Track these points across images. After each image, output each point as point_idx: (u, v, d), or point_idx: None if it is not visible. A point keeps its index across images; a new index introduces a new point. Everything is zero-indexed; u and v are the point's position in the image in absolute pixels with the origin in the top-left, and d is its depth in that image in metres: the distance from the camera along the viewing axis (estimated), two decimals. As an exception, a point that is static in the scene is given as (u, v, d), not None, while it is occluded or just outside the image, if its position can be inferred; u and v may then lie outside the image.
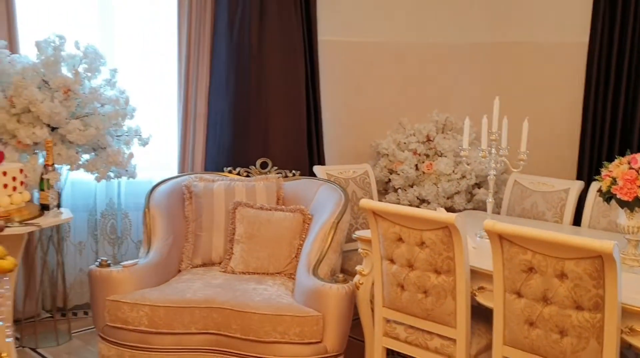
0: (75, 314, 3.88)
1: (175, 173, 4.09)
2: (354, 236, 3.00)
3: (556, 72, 4.08)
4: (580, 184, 3.37)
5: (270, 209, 3.40)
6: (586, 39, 3.77)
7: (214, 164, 4.03)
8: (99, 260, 2.95)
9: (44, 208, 2.75)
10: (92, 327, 3.70)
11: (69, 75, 3.21)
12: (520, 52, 4.27)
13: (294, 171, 3.77)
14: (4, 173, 2.50)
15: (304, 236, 3.33)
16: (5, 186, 2.49)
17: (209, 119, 4.03)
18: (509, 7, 4.32)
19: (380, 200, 4.01)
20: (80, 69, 3.26)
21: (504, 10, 4.37)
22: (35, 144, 3.04)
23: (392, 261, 2.52)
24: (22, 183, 2.55)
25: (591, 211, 3.17)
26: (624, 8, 3.56)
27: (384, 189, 4.17)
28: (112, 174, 3.32)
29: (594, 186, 3.19)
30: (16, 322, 3.28)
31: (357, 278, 2.92)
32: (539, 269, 2.03)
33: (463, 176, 3.91)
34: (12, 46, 3.50)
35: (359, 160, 4.31)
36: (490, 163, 2.88)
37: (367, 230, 2.97)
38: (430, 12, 4.53)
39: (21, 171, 2.54)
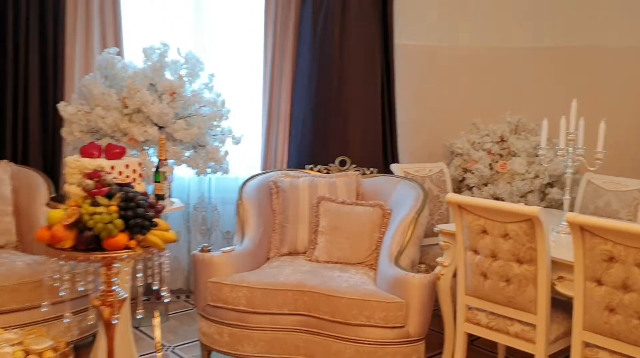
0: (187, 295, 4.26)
1: (258, 170, 4.40)
2: (435, 229, 3.20)
3: (629, 75, 4.15)
4: (656, 184, 3.46)
5: (351, 204, 3.64)
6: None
7: (295, 162, 4.29)
8: (200, 246, 3.25)
9: (159, 198, 3.07)
10: (186, 309, 4.08)
11: (172, 79, 3.54)
12: (593, 56, 4.36)
13: (371, 169, 3.99)
14: (127, 166, 2.82)
15: (383, 229, 3.55)
16: (127, 177, 2.81)
17: (291, 120, 4.31)
18: (582, 11, 4.41)
19: (454, 198, 4.17)
20: (182, 73, 3.58)
21: (578, 14, 4.46)
22: (144, 141, 3.37)
23: (475, 251, 2.70)
24: (140, 175, 2.87)
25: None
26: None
27: (457, 188, 4.33)
28: (209, 170, 3.62)
29: (670, 186, 3.29)
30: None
31: (438, 268, 3.12)
32: (619, 258, 2.18)
33: (536, 176, 4.04)
34: (119, 52, 3.88)
35: (430, 159, 4.49)
36: (568, 162, 3.02)
37: (447, 224, 3.17)
38: (504, 16, 4.66)
39: (140, 164, 2.86)
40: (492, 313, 2.72)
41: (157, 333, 1.97)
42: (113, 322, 1.84)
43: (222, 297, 3.11)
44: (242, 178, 4.36)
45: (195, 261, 3.24)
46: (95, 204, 1.71)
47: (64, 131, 3.54)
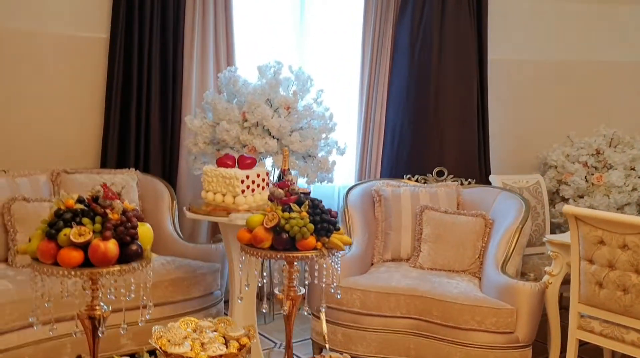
0: (268, 299, 4.48)
1: (352, 178, 4.61)
2: (544, 239, 3.32)
3: None
4: None
5: (453, 213, 3.80)
6: None
7: (389, 172, 4.48)
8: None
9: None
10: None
11: (284, 94, 3.79)
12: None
13: (469, 180, 4.14)
14: (258, 175, 3.07)
15: (485, 238, 3.69)
16: (258, 186, 3.07)
17: (385, 131, 4.50)
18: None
19: (550, 209, 4.28)
20: (294, 89, 3.83)
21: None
22: (263, 152, 3.63)
23: (590, 261, 2.82)
24: (267, 183, 3.12)
25: None
26: None
27: (551, 199, 4.42)
28: (317, 179, 3.85)
29: None
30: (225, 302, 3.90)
31: (546, 277, 3.24)
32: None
33: (634, 188, 4.09)
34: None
35: (521, 170, 4.59)
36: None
37: (556, 234, 3.29)
38: (594, 31, 4.74)
39: (267, 174, 3.11)
40: (607, 322, 2.83)
41: (324, 326, 2.20)
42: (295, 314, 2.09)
43: (336, 299, 3.32)
44: (339, 187, 4.59)
45: (312, 264, 3.46)
46: (288, 210, 1.95)
47: (190, 142, 3.84)
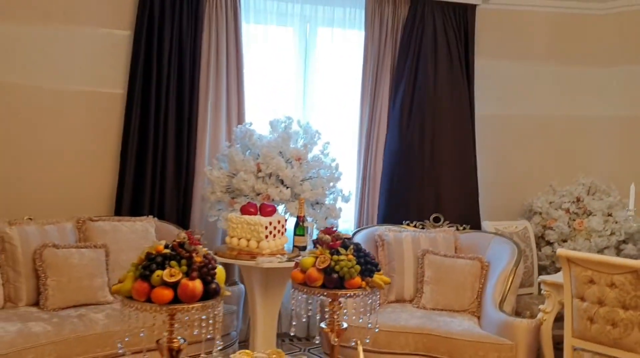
0: (300, 340, 4.72)
1: (352, 225, 4.90)
2: (538, 279, 3.66)
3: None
4: None
5: (452, 257, 4.11)
6: None
7: (387, 218, 4.78)
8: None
9: (301, 249, 3.57)
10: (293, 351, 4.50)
11: (295, 147, 4.11)
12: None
13: (464, 226, 4.48)
14: (278, 221, 3.35)
15: (482, 280, 4.00)
16: (279, 231, 3.35)
17: (382, 179, 4.83)
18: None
19: (537, 252, 4.63)
20: (301, 142, 4.15)
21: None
22: (278, 200, 3.92)
23: (582, 299, 3.14)
24: (285, 228, 3.40)
25: None
26: None
27: (537, 243, 4.77)
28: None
29: None
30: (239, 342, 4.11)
31: (540, 315, 3.55)
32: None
33: (612, 233, 4.47)
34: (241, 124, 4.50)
35: (509, 217, 4.96)
36: (655, 222, 3.47)
37: (549, 275, 3.62)
38: (571, 89, 5.20)
39: (286, 220, 3.40)
40: (598, 354, 3.13)
41: (361, 356, 2.44)
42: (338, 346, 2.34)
43: (347, 337, 3.56)
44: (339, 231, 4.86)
45: (323, 306, 3.71)
46: (336, 253, 2.23)
47: (207, 191, 4.10)
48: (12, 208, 3.97)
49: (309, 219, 3.78)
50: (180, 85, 4.43)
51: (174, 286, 1.85)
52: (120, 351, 2.13)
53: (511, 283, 3.82)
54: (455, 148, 4.78)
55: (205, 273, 1.90)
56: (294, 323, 2.46)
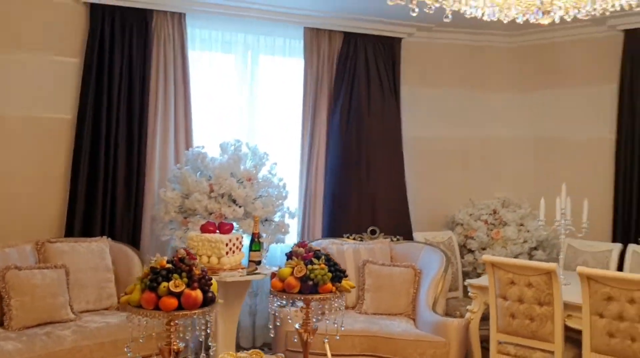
0: (262, 349, 4.94)
1: (295, 239, 5.25)
2: (465, 283, 4.15)
3: (586, 163, 5.32)
4: (620, 246, 4.56)
5: (389, 266, 4.55)
6: (612, 135, 5.06)
7: (329, 232, 5.18)
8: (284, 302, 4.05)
9: (257, 263, 3.87)
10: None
11: (245, 168, 4.42)
12: (555, 145, 5.55)
13: (397, 237, 4.94)
14: (237, 238, 3.65)
15: (416, 286, 4.47)
16: (237, 247, 3.64)
17: (324, 197, 5.22)
18: (552, 108, 5.60)
19: (461, 259, 5.17)
20: (250, 164, 4.47)
21: (547, 111, 5.66)
22: (231, 218, 4.20)
23: (505, 298, 3.65)
24: (242, 244, 3.70)
25: (630, 263, 4.34)
26: None
27: (460, 251, 5.31)
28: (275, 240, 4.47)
29: (632, 247, 4.39)
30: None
31: (468, 314, 4.05)
32: (615, 297, 3.15)
33: (525, 241, 5.08)
34: (189, 148, 4.74)
35: (434, 228, 5.49)
36: (561, 230, 4.06)
37: (475, 279, 4.13)
38: (486, 111, 5.83)
39: (242, 237, 3.70)
40: (519, 345, 3.65)
41: (328, 353, 2.76)
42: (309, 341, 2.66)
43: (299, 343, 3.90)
44: (282, 246, 5.20)
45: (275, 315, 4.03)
46: (310, 263, 2.56)
47: (161, 211, 4.31)
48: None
49: (263, 235, 4.09)
50: (130, 110, 4.63)
51: (178, 295, 2.13)
52: (129, 355, 2.35)
53: (442, 288, 4.30)
54: (387, 167, 5.26)
55: (204, 283, 2.19)
56: (270, 326, 2.77)
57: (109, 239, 4.37)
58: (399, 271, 4.51)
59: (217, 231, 3.71)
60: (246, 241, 3.97)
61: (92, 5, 4.56)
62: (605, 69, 5.16)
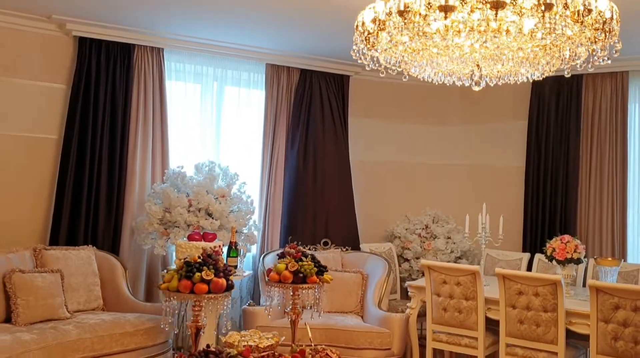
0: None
1: (257, 248, 5.92)
2: (406, 284, 4.97)
3: (502, 186, 6.36)
4: (528, 255, 5.54)
5: (341, 271, 5.32)
6: (522, 164, 6.10)
7: (286, 242, 5.88)
8: (248, 302, 4.72)
9: (235, 267, 4.51)
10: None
11: (220, 185, 5.08)
12: (477, 171, 6.56)
13: (346, 247, 5.73)
14: (219, 246, 4.29)
15: (364, 288, 5.25)
16: (217, 253, 4.29)
17: (282, 211, 5.94)
18: (471, 140, 6.62)
19: (398, 267, 6.01)
20: (222, 183, 5.13)
21: (468, 142, 6.68)
22: (209, 229, 4.84)
23: (438, 295, 4.50)
24: (222, 251, 4.36)
25: (537, 268, 5.31)
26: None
27: (398, 260, 6.16)
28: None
29: (538, 256, 5.38)
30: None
31: (408, 310, 4.87)
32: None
33: (452, 251, 6.00)
34: (165, 169, 5.35)
35: (376, 240, 6.33)
36: (482, 241, 4.98)
37: (413, 281, 4.96)
38: (419, 141, 6.77)
39: (222, 245, 4.36)
40: (450, 334, 4.49)
41: (309, 331, 3.44)
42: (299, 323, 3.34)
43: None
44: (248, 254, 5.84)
45: (246, 312, 4.70)
46: (300, 260, 3.25)
47: (146, 223, 4.89)
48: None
49: (248, 246, 4.78)
50: (113, 133, 5.19)
51: (208, 282, 2.78)
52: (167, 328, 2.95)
53: (385, 289, 5.11)
54: (338, 187, 6.06)
55: (227, 273, 2.85)
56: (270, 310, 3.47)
57: (94, 248, 4.89)
58: (349, 276, 5.28)
59: (202, 239, 4.35)
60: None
61: (80, 38, 5.11)
62: (517, 109, 6.22)
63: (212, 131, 5.80)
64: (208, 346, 2.72)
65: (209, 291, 2.81)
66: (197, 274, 2.79)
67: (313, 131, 6.01)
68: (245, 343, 3.02)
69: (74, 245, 4.93)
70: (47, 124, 5.12)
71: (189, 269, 2.82)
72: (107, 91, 5.17)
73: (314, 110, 6.05)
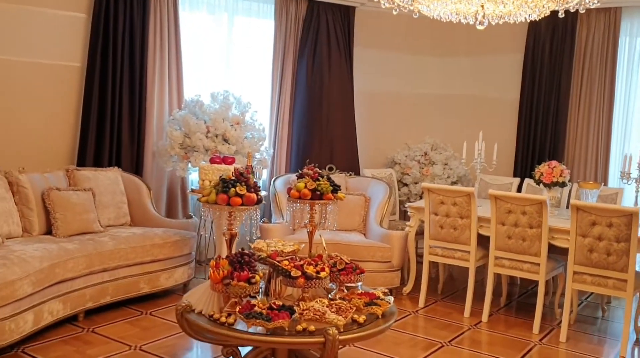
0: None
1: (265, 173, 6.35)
2: (406, 205, 5.45)
3: (497, 116, 6.75)
4: (518, 180, 6.01)
5: (346, 194, 5.76)
6: (517, 95, 6.48)
7: (294, 168, 6.32)
8: (262, 220, 5.19)
9: (252, 188, 4.94)
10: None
11: (231, 114, 5.44)
12: (474, 101, 6.94)
13: (350, 172, 6.16)
14: (236, 169, 4.71)
15: (366, 209, 5.73)
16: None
17: (290, 138, 6.34)
18: (470, 71, 6.96)
19: (397, 191, 6.49)
20: (236, 111, 5.49)
21: (467, 73, 7.01)
22: (221, 153, 5.23)
23: (436, 214, 4.97)
24: (240, 174, 4.79)
25: (525, 191, 5.79)
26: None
27: (398, 185, 6.62)
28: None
29: (527, 181, 5.84)
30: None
31: (407, 228, 5.36)
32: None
33: (448, 177, 6.45)
34: (180, 96, 5.69)
35: (377, 166, 6.77)
36: (477, 166, 5.42)
37: (413, 202, 5.43)
38: (420, 71, 7.09)
39: (240, 167, 4.78)
40: (445, 248, 5.00)
41: (323, 242, 3.90)
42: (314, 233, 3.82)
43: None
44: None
45: (262, 228, 5.18)
46: (317, 180, 3.68)
47: (167, 147, 5.27)
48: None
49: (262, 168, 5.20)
50: (132, 61, 5.47)
51: (241, 196, 3.20)
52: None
53: (387, 209, 5.59)
54: (342, 116, 6.43)
55: (257, 189, 3.28)
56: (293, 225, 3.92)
57: (120, 169, 5.30)
58: (352, 198, 5.74)
59: (222, 162, 4.76)
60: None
61: (100, -31, 5.31)
62: (514, 43, 6.52)
63: (223, 60, 6.09)
64: (242, 249, 3.18)
65: (242, 204, 3.24)
66: (232, 189, 3.21)
67: (319, 61, 6.31)
68: (273, 248, 3.49)
69: (100, 167, 5.32)
70: (71, 52, 5.38)
71: (224, 185, 3.23)
72: (125, 21, 5.41)
73: (321, 41, 6.32)
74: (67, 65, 5.38)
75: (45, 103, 5.30)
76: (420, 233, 5.39)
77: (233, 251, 3.33)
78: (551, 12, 4.07)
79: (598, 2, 3.15)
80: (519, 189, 5.95)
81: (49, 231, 4.54)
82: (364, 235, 5.58)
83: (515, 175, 6.40)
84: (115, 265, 4.43)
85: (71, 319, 4.21)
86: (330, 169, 6.10)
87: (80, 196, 4.70)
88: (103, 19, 5.32)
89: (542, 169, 5.00)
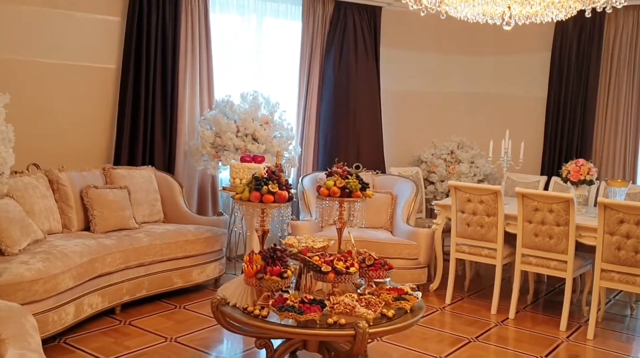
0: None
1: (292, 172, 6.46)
2: (433, 203, 5.51)
3: (524, 114, 6.76)
4: (545, 178, 6.02)
5: (373, 192, 5.85)
6: (544, 94, 6.48)
7: (321, 166, 6.42)
8: (291, 217, 5.30)
9: (281, 186, 5.07)
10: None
11: (261, 114, 5.56)
12: (501, 100, 6.95)
13: (377, 171, 6.24)
14: (267, 167, 4.83)
15: (393, 207, 5.81)
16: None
17: (317, 137, 6.44)
18: (496, 70, 6.97)
19: (424, 189, 6.54)
20: (265, 112, 5.61)
21: (493, 72, 7.03)
22: (251, 152, 5.36)
23: (463, 212, 5.03)
24: (270, 172, 4.90)
25: (552, 189, 5.80)
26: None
27: (424, 183, 6.68)
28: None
29: (554, 179, 5.85)
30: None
31: (434, 226, 5.42)
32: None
33: (475, 175, 6.49)
34: (211, 97, 5.83)
35: (404, 164, 6.83)
36: (504, 165, 5.45)
37: (439, 200, 5.49)
38: (447, 71, 7.14)
39: (270, 166, 4.90)
40: (472, 246, 5.06)
41: (352, 239, 4.00)
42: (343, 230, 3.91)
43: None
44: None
45: (291, 225, 5.30)
46: (346, 178, 3.78)
47: (199, 146, 5.42)
48: (31, 159, 4.95)
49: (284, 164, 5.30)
50: (164, 63, 5.63)
51: (274, 194, 3.32)
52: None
53: (413, 207, 5.66)
54: (368, 115, 6.52)
55: (288, 187, 3.39)
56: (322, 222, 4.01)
57: (153, 168, 5.46)
58: (379, 196, 5.81)
59: (252, 161, 4.88)
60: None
61: (132, -26, 5.48)
62: (542, 42, 6.52)
63: (252, 61, 6.22)
64: (275, 245, 3.29)
65: (274, 202, 3.35)
66: (265, 187, 3.33)
67: (346, 61, 6.40)
68: (304, 244, 3.59)
69: (134, 166, 5.49)
70: (106, 55, 5.55)
71: (257, 183, 3.35)
72: (157, 23, 5.56)
73: (347, 41, 6.41)
74: (103, 67, 5.56)
75: (83, 104, 5.48)
76: (446, 231, 5.44)
77: (265, 247, 3.45)
78: (578, 11, 4.11)
79: (625, 1, 3.18)
80: (546, 188, 5.97)
81: (86, 228, 4.71)
82: (391, 232, 5.66)
83: (542, 173, 6.41)
84: (150, 260, 4.59)
85: (109, 312, 4.38)
86: (357, 167, 6.19)
87: (116, 194, 4.86)
88: (137, 22, 5.48)
89: (570, 167, 5.02)
